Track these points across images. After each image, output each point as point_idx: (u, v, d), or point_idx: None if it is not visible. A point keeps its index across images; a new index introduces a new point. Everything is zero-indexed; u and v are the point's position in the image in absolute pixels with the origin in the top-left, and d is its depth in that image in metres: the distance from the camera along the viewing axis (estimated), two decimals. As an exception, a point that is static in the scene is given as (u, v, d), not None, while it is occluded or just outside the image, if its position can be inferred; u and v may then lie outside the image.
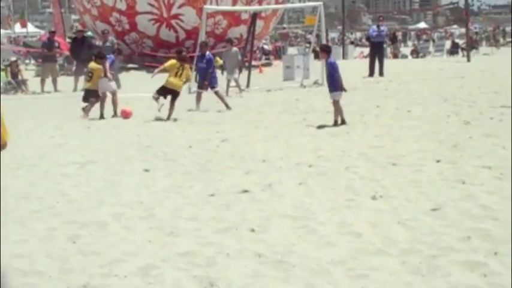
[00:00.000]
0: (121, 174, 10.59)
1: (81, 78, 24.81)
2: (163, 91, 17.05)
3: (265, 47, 43.16)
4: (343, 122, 14.89)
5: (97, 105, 17.51)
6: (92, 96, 17.70)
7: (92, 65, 17.93)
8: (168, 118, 16.51)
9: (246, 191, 9.16)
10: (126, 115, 17.06)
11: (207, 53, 19.71)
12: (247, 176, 10.18)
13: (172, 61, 17.48)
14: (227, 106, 18.50)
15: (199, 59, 19.76)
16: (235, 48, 23.99)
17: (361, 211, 8.04)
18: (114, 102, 17.72)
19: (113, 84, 18.19)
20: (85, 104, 17.55)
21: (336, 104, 15.11)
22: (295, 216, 7.90)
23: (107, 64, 18.24)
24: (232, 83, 22.92)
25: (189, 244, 6.98)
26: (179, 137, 14.03)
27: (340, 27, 69.03)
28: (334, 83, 15.23)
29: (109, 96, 17.94)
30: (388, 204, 8.31)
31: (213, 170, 10.75)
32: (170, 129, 15.16)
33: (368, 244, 6.81)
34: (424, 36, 72.79)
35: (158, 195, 9.13)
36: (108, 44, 26.13)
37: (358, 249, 6.66)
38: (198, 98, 18.99)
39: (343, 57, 45.64)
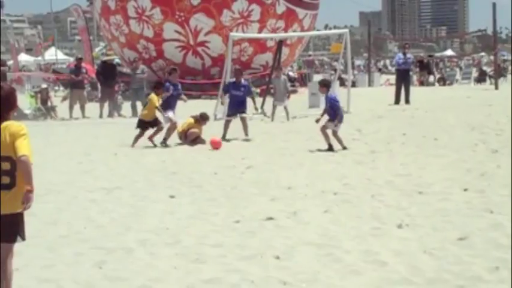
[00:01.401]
0: (147, 200, 10.65)
1: (106, 105, 25.12)
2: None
3: (291, 74, 43.27)
4: (344, 148, 15.46)
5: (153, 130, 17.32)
6: (144, 126, 17.24)
7: (151, 95, 17.59)
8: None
9: (271, 218, 9.17)
10: (215, 145, 16.45)
11: (243, 80, 19.45)
12: (273, 203, 10.20)
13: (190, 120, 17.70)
14: (246, 134, 18.18)
15: (234, 86, 18.98)
16: (284, 76, 24.23)
17: (387, 239, 8.02)
18: (170, 129, 17.61)
19: (169, 113, 17.74)
20: (137, 131, 17.17)
21: (335, 134, 15.63)
22: (320, 244, 7.90)
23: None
24: (278, 109, 23.14)
25: (214, 271, 7.00)
26: (204, 164, 14.08)
27: (365, 55, 69.09)
28: (334, 116, 15.75)
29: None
30: (414, 232, 8.29)
31: (238, 196, 10.77)
32: (195, 156, 15.23)
33: (393, 273, 6.79)
34: (448, 64, 72.51)
35: (183, 222, 9.17)
36: (139, 72, 26.35)
37: (384, 278, 6.65)
38: (227, 126, 18.46)
39: (369, 85, 45.60)
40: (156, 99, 17.24)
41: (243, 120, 18.45)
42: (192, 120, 17.71)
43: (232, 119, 18.64)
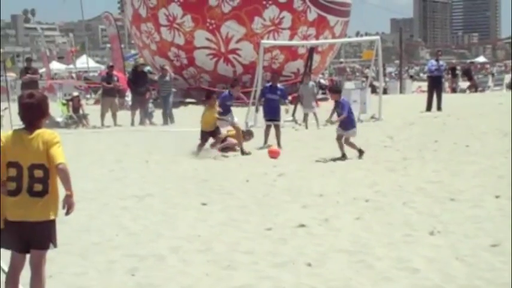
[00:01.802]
0: (178, 207, 10.69)
1: (138, 112, 25.25)
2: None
3: (322, 81, 43.23)
4: (361, 153, 15.46)
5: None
6: (205, 137, 17.03)
7: (206, 108, 17.35)
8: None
9: (302, 225, 9.17)
10: (273, 154, 16.12)
11: (279, 84, 19.33)
12: (304, 210, 10.20)
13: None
14: (279, 144, 17.92)
15: (271, 89, 18.89)
16: (312, 82, 24.22)
17: (419, 246, 7.98)
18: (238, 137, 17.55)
19: (230, 117, 17.64)
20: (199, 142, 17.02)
21: (347, 141, 15.54)
22: (352, 251, 7.89)
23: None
24: (310, 116, 23.19)
25: (245, 278, 7.02)
26: (236, 171, 14.11)
27: (397, 62, 68.88)
28: (350, 122, 15.65)
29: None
30: (446, 239, 8.25)
31: (269, 204, 10.78)
32: (227, 163, 15.27)
33: (426, 280, 6.76)
34: (482, 70, 72.05)
35: (215, 229, 9.19)
36: (167, 78, 26.44)
37: (416, 285, 6.62)
38: (267, 132, 18.34)
39: (401, 92, 45.43)
40: (212, 111, 16.97)
41: (277, 128, 18.38)
42: (233, 132, 17.70)
43: (272, 124, 18.45)
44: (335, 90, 16.66)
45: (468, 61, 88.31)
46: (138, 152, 17.25)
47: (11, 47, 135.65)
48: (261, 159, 15.80)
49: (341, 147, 15.45)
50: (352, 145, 15.51)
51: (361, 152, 15.39)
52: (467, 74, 47.00)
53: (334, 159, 15.18)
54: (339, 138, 15.57)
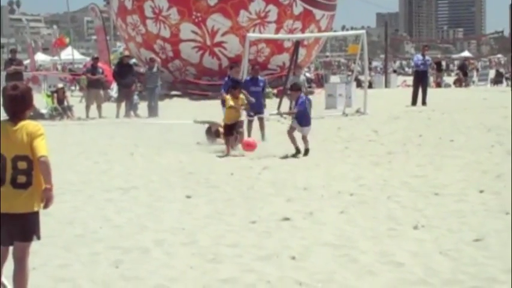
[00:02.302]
0: (163, 200, 10.68)
1: (123, 105, 25.16)
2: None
3: (308, 75, 43.25)
4: (298, 152, 15.07)
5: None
6: (230, 131, 15.97)
7: (226, 96, 16.28)
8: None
9: (287, 219, 9.18)
10: (248, 147, 15.49)
11: (259, 76, 18.97)
12: (289, 204, 10.21)
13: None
14: (263, 136, 17.89)
15: (253, 82, 18.37)
16: (303, 76, 24.16)
17: (403, 241, 8.01)
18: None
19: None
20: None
21: (305, 138, 15.35)
22: (336, 245, 7.91)
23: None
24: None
25: (230, 271, 7.02)
26: (221, 164, 14.11)
27: (382, 56, 69.01)
28: (306, 118, 15.48)
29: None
30: (430, 234, 8.28)
31: (254, 197, 10.79)
32: (212, 157, 15.25)
33: (409, 274, 6.79)
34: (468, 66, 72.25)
35: (200, 222, 9.19)
36: (154, 70, 26.31)
37: (400, 279, 6.65)
38: (250, 126, 17.91)
39: (386, 86, 45.54)
40: (236, 102, 15.99)
41: (261, 121, 18.17)
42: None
43: (254, 119, 18.04)
44: (296, 88, 16.04)
45: (453, 56, 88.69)
46: (123, 145, 17.22)
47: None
48: (246, 152, 15.77)
49: (293, 141, 15.17)
50: (293, 140, 15.15)
51: (298, 151, 15.00)
52: (462, 69, 47.17)
53: (288, 156, 14.91)
54: (290, 131, 15.31)
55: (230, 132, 15.87)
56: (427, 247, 7.70)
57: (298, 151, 15.07)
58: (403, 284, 6.51)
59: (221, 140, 16.61)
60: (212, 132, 17.35)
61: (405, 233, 8.35)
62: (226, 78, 17.96)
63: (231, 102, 15.95)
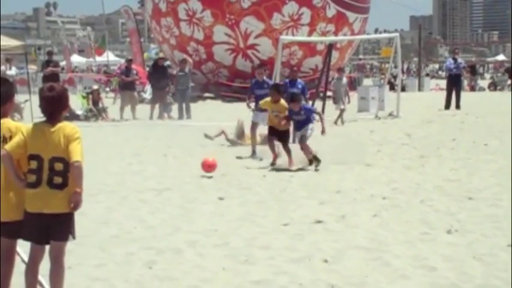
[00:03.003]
0: (196, 202, 10.74)
1: (157, 106, 25.30)
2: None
3: (334, 79, 43.08)
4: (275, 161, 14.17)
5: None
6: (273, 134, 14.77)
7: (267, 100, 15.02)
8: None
9: (319, 222, 9.19)
10: (208, 168, 13.11)
11: (298, 79, 18.94)
12: (321, 207, 10.22)
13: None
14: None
15: (292, 84, 18.19)
16: (345, 79, 24.15)
17: (436, 245, 7.99)
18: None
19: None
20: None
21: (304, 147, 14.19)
22: (368, 248, 7.90)
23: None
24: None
25: (262, 273, 7.05)
26: (254, 166, 14.13)
27: (416, 59, 68.64)
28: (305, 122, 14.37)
29: None
30: (463, 238, 8.25)
31: (287, 199, 10.81)
32: (245, 158, 15.28)
33: (442, 278, 6.77)
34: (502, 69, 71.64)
35: (232, 224, 9.23)
36: (186, 71, 26.34)
37: (433, 283, 6.63)
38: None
39: (419, 89, 45.30)
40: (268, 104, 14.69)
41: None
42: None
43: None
44: (297, 99, 14.34)
45: (488, 59, 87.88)
46: (156, 146, 17.32)
47: (32, 39, 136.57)
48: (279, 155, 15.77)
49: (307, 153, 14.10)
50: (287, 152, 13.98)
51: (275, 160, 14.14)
52: (471, 73, 46.77)
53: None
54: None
55: (271, 136, 14.44)
56: (461, 252, 7.67)
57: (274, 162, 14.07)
58: (436, 288, 6.50)
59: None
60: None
61: (438, 237, 8.33)
62: (254, 81, 17.83)
63: (267, 107, 14.65)
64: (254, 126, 16.17)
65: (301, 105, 14.44)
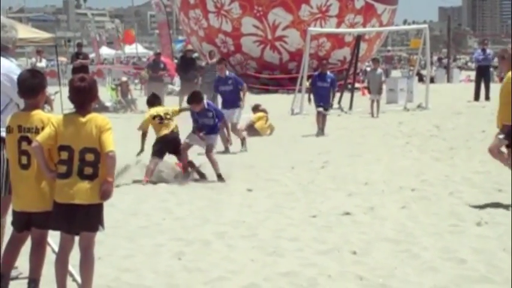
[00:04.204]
0: (224, 193, 10.76)
1: (185, 98, 25.31)
2: None
3: (368, 69, 42.97)
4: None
5: None
6: None
7: None
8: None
9: (348, 213, 9.18)
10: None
11: (328, 72, 19.13)
12: (349, 198, 10.20)
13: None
14: (322, 130, 17.91)
15: (320, 77, 18.64)
16: (380, 69, 24.07)
17: (466, 237, 7.94)
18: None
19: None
20: None
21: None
22: (397, 240, 7.87)
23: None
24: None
25: (290, 264, 7.05)
26: (281, 158, 14.14)
27: (445, 51, 68.12)
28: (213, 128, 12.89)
29: None
30: (493, 230, 8.19)
31: (315, 191, 10.80)
32: (272, 150, 15.29)
33: (472, 271, 6.73)
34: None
35: (260, 215, 9.24)
36: (214, 61, 26.29)
37: (462, 276, 6.59)
38: (319, 118, 18.02)
39: (448, 81, 44.99)
40: None
41: (324, 117, 18.22)
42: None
43: (322, 110, 18.15)
44: (198, 99, 12.82)
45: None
46: (183, 137, 17.31)
47: (62, 32, 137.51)
48: (307, 146, 15.80)
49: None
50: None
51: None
52: None
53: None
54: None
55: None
56: (490, 244, 7.61)
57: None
58: (465, 281, 6.46)
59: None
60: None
61: (468, 230, 8.28)
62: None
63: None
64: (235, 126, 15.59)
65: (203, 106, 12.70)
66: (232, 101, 15.96)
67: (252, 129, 18.01)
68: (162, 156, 12.23)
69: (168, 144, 12.23)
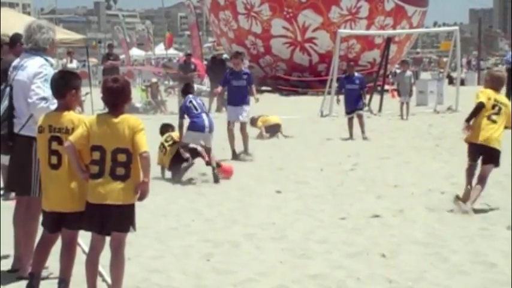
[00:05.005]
0: (253, 195, 10.78)
1: (215, 99, 25.41)
2: None
3: (398, 71, 42.77)
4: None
5: None
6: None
7: None
8: None
9: (377, 216, 9.16)
10: (225, 173, 12.45)
11: (356, 73, 18.75)
12: (379, 201, 10.17)
13: None
14: (363, 132, 17.61)
15: (349, 80, 18.24)
16: (409, 72, 23.96)
17: (496, 240, 7.89)
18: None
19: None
20: None
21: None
22: (426, 243, 7.85)
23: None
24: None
25: (320, 267, 7.06)
26: (310, 160, 14.13)
27: (475, 53, 67.66)
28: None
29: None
30: (524, 234, 8.12)
31: (344, 193, 10.79)
32: (301, 152, 15.28)
33: (502, 275, 6.69)
34: None
35: (290, 217, 9.25)
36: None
37: (492, 280, 6.56)
38: (351, 124, 17.71)
39: (478, 83, 44.66)
40: None
41: (360, 118, 17.88)
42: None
43: (353, 116, 17.80)
44: (186, 91, 13.19)
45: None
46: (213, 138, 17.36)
47: (93, 33, 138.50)
48: (336, 148, 15.77)
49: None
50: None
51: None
52: None
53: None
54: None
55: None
56: (521, 248, 7.56)
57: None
58: (495, 285, 6.43)
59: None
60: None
61: (498, 233, 8.23)
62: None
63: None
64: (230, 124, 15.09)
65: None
66: (242, 98, 15.17)
67: (271, 129, 17.88)
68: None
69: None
